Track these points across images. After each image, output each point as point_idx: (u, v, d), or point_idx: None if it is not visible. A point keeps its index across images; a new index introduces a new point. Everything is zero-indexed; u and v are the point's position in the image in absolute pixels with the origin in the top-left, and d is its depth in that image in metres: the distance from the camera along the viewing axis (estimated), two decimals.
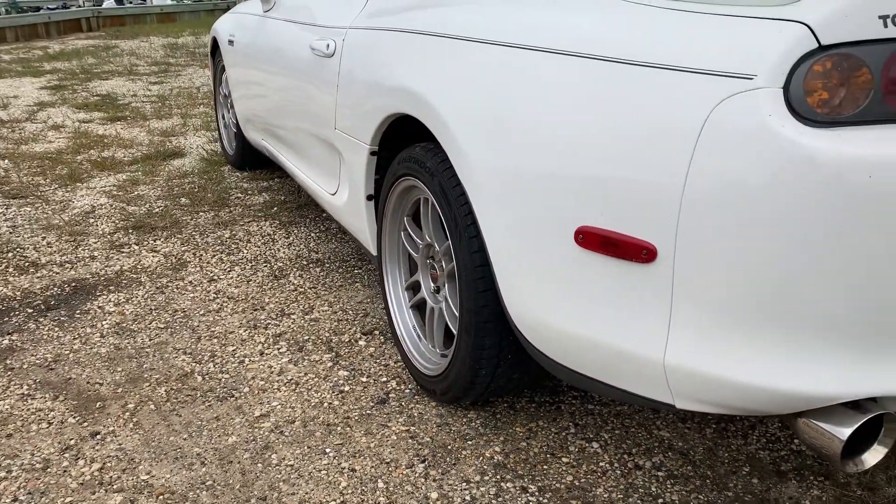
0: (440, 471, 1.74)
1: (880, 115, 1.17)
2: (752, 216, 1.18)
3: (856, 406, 1.26)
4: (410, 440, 1.85)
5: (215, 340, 2.38)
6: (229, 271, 2.92)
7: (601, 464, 1.76)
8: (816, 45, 1.15)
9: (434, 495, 1.66)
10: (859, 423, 1.24)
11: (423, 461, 1.78)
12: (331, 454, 1.81)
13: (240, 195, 3.88)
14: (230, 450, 1.84)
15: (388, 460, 1.79)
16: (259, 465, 1.78)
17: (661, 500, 1.63)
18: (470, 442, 1.84)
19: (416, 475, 1.73)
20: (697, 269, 1.25)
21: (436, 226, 1.89)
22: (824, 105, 1.16)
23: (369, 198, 2.21)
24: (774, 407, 1.29)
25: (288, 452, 1.82)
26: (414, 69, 1.83)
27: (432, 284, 1.98)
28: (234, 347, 2.33)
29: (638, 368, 1.39)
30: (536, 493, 1.66)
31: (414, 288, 2.11)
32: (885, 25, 1.16)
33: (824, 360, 1.23)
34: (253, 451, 1.83)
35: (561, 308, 1.48)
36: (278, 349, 2.31)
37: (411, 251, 2.07)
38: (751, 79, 1.17)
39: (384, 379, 2.12)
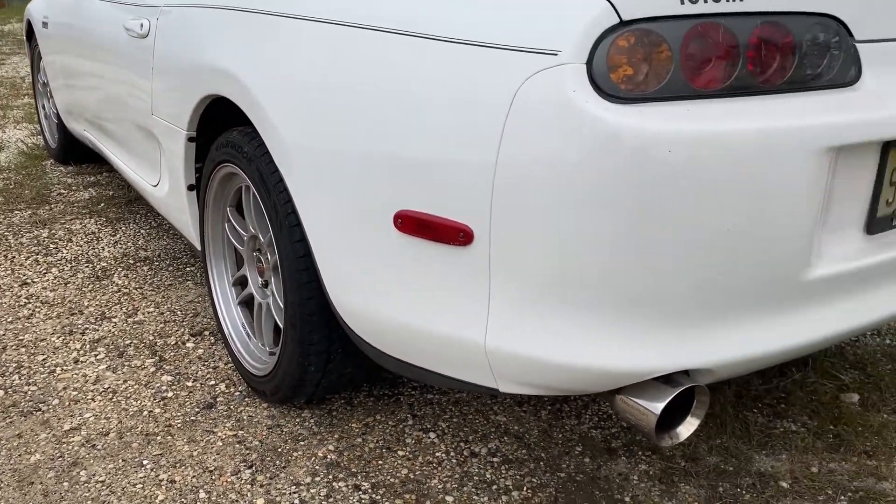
0: (268, 475, 1.64)
1: (680, 91, 1.18)
2: (561, 195, 1.16)
3: (669, 380, 1.28)
4: (238, 445, 1.74)
5: (23, 350, 2.15)
6: (45, 273, 2.66)
7: (437, 454, 1.72)
8: (618, 20, 1.15)
9: (260, 501, 1.56)
10: (672, 397, 1.25)
11: (251, 466, 1.67)
12: (148, 466, 1.67)
13: (63, 191, 3.57)
14: (32, 469, 1.66)
15: (212, 468, 1.66)
16: (65, 483, 1.61)
17: (495, 487, 1.61)
18: (302, 443, 1.75)
19: (242, 482, 1.62)
20: (512, 250, 1.23)
21: (258, 215, 1.78)
22: (628, 81, 1.16)
23: (190, 188, 2.07)
24: (593, 385, 1.29)
25: (99, 467, 1.66)
26: (227, 48, 1.71)
27: (259, 279, 1.87)
28: (45, 356, 2.12)
29: (461, 354, 1.35)
30: (370, 491, 1.60)
31: (242, 283, 1.98)
32: (682, 2, 1.17)
33: (637, 336, 1.23)
34: (59, 469, 1.66)
35: (384, 296, 1.42)
36: (95, 356, 2.12)
37: (236, 244, 1.95)
38: (555, 54, 1.15)
39: (212, 382, 1.99)
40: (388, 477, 1.64)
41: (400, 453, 1.72)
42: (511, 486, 1.61)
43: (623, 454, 1.72)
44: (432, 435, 1.78)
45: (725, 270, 1.22)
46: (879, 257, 1.40)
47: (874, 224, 1.40)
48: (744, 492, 1.59)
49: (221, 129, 1.96)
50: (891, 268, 1.43)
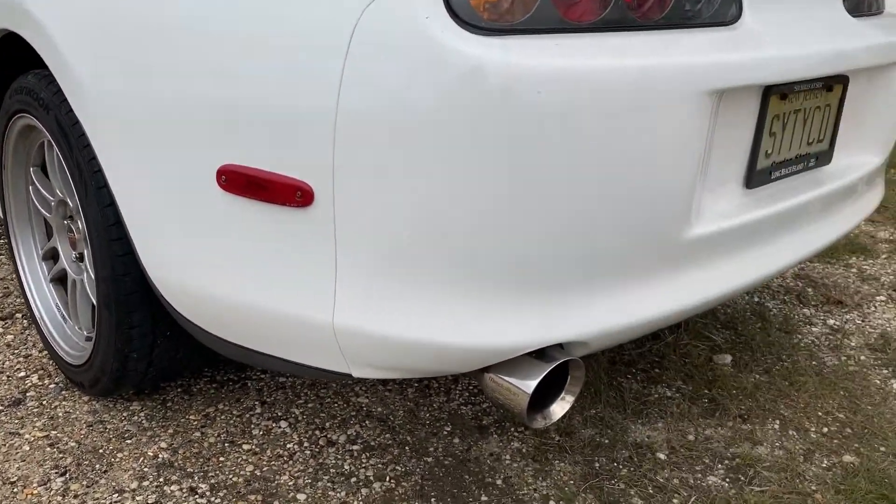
0: (85, 483, 1.39)
1: (550, 23, 1.02)
2: (413, 145, 0.98)
3: (541, 355, 1.14)
4: (49, 448, 1.47)
5: None
6: None
7: (289, 446, 1.52)
8: None
9: None
10: (545, 374, 1.11)
11: (64, 473, 1.41)
12: None
13: None
14: None
15: (15, 479, 1.39)
16: None
17: (354, 479, 1.43)
18: (129, 441, 1.50)
19: (52, 493, 1.36)
20: (360, 212, 1.03)
21: (64, 176, 1.50)
22: (491, 10, 0.98)
23: None
24: (458, 364, 1.13)
25: None
26: None
27: (72, 251, 1.59)
28: None
29: (306, 335, 1.15)
30: (208, 493, 1.38)
31: (53, 257, 1.69)
32: None
33: (505, 308, 1.08)
34: None
35: (210, 269, 1.19)
36: None
37: (44, 211, 1.64)
38: None
39: (22, 374, 1.69)
40: (231, 476, 1.43)
41: (245, 447, 1.51)
42: (372, 477, 1.44)
43: (495, 431, 1.58)
44: (283, 424, 1.58)
45: (602, 231, 1.08)
46: (758, 213, 1.31)
47: (753, 178, 1.31)
48: (620, 466, 1.49)
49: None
50: (769, 224, 1.34)
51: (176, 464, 1.45)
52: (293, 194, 1.06)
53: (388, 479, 1.44)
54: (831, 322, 2.06)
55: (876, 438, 1.57)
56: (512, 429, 1.59)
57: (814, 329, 2.02)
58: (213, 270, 1.19)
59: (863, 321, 2.06)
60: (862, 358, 1.87)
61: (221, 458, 1.47)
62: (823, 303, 2.16)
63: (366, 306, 1.08)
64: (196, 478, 1.42)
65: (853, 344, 1.94)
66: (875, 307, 2.14)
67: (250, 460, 1.47)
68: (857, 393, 1.72)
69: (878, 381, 1.77)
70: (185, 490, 1.39)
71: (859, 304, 2.15)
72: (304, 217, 1.07)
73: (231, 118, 1.08)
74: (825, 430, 1.60)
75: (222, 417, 1.59)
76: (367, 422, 1.60)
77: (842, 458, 1.51)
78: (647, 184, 1.07)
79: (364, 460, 1.49)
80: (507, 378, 1.14)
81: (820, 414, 1.65)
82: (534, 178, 1.00)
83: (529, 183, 1.01)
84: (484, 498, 1.40)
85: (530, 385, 1.12)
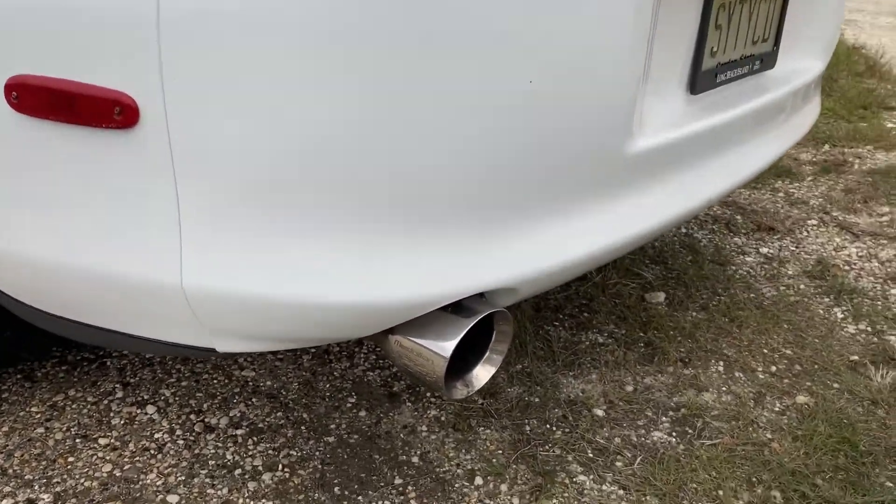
0: None
1: None
2: (273, 37, 0.71)
3: (459, 308, 0.90)
4: None
5: None
6: None
7: (158, 436, 1.24)
8: None
9: None
10: (465, 331, 0.88)
11: None
12: None
13: None
14: None
15: None
16: None
17: (239, 472, 1.18)
18: None
19: None
20: (205, 132, 0.76)
21: None
22: None
23: None
24: (351, 328, 0.88)
25: None
26: None
27: None
28: None
29: (150, 303, 0.88)
30: None
31: None
32: None
33: (409, 252, 0.83)
34: None
35: (12, 221, 0.89)
36: None
37: None
38: None
39: None
40: (83, 480, 1.15)
41: (102, 442, 1.22)
42: (261, 467, 1.19)
43: (408, 399, 1.35)
44: (151, 409, 1.30)
45: (529, 146, 0.84)
46: (705, 122, 1.10)
47: (698, 80, 1.10)
48: (554, 428, 1.29)
49: None
50: (715, 136, 1.14)
51: (10, 471, 1.16)
52: (110, 111, 0.77)
53: (280, 467, 1.19)
54: (765, 250, 1.91)
55: (828, 374, 1.43)
56: (428, 394, 1.36)
57: (748, 259, 1.87)
58: (17, 224, 0.89)
59: (797, 247, 1.93)
60: (801, 287, 1.73)
61: (71, 459, 1.19)
62: (754, 230, 2.02)
63: (222, 260, 0.81)
64: (37, 486, 1.13)
65: (790, 272, 1.80)
66: (808, 232, 2.01)
67: (108, 458, 1.19)
68: (802, 325, 1.58)
69: (822, 311, 1.64)
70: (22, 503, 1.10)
71: (791, 230, 2.02)
72: (128, 141, 0.79)
73: (14, 14, 0.78)
74: (773, 368, 1.45)
75: (73, 406, 1.30)
76: (253, 399, 1.34)
77: (795, 400, 1.36)
78: (584, 82, 0.84)
79: (251, 447, 1.23)
80: (417, 340, 0.90)
81: (765, 351, 1.50)
82: (436, 76, 0.75)
83: (428, 83, 0.75)
84: (398, 480, 1.18)
85: (447, 347, 0.88)
